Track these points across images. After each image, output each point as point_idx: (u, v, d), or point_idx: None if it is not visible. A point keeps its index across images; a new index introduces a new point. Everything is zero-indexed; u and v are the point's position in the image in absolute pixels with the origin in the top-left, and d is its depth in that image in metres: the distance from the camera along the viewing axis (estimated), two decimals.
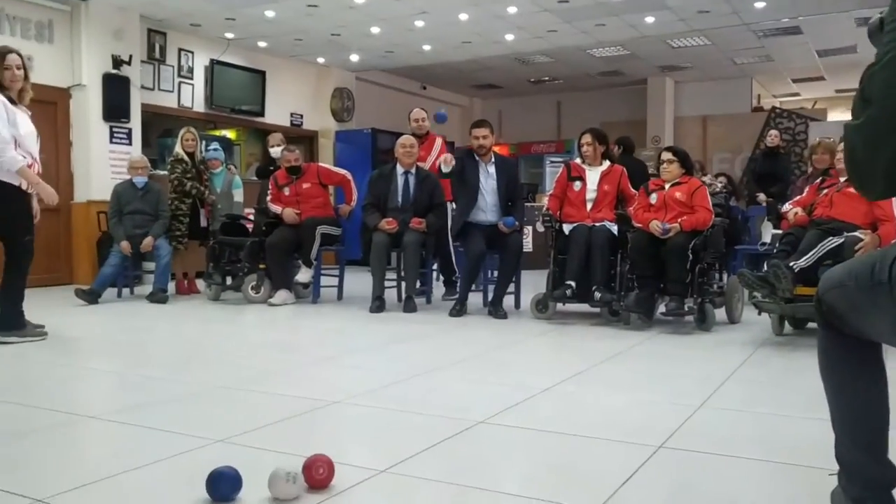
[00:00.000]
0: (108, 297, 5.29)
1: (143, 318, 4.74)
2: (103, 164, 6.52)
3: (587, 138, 4.45)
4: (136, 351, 3.63)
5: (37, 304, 4.03)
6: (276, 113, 8.58)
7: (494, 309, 4.45)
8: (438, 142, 5.53)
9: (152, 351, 3.60)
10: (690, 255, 3.89)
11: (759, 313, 3.76)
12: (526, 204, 6.22)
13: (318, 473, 1.66)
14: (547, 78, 10.47)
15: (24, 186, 3.48)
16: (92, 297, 5.10)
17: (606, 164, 4.44)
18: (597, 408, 2.45)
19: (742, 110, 10.15)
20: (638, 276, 4.05)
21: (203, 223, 5.78)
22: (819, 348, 1.44)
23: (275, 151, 5.79)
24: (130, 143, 6.75)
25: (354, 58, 8.64)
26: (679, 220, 3.91)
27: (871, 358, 1.36)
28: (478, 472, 1.83)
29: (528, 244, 4.78)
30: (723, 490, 1.71)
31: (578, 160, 4.51)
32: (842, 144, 3.49)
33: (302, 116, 9.01)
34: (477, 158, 4.70)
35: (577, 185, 4.38)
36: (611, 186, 4.37)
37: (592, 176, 4.39)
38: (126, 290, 5.65)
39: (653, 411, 2.38)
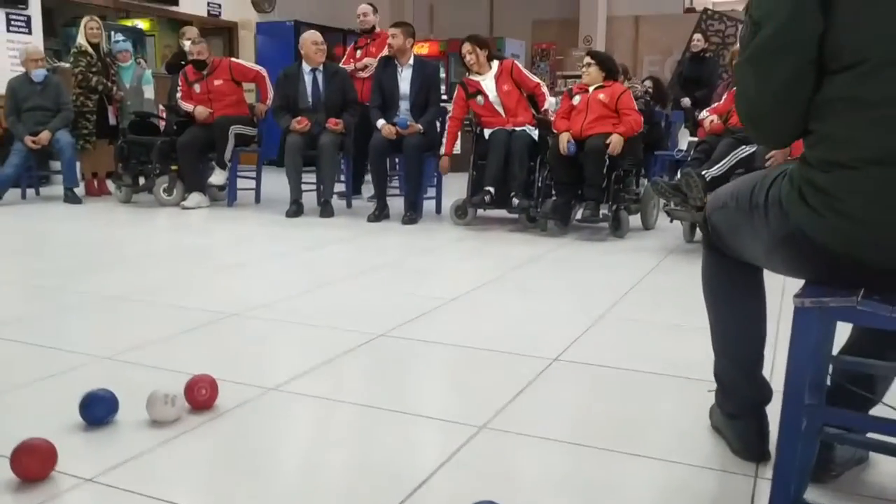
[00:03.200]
0: (12, 200, 5.03)
1: (46, 221, 4.53)
2: (0, 54, 6.06)
3: (466, 47, 4.24)
4: (33, 258, 3.47)
5: None
6: (192, 1, 8.08)
7: (406, 214, 4.39)
8: None
9: (50, 257, 3.44)
10: (607, 160, 3.87)
11: (671, 220, 3.81)
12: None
13: (200, 394, 1.61)
14: None
15: None
16: None
17: (495, 64, 4.27)
18: (500, 318, 2.45)
19: (674, 11, 10.04)
20: (556, 183, 4.03)
21: (112, 121, 5.49)
22: (702, 268, 1.43)
23: (188, 45, 5.48)
24: (30, 32, 6.28)
25: None
26: (613, 132, 3.85)
27: (751, 281, 1.36)
28: (367, 388, 1.81)
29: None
30: (612, 405, 1.73)
31: (472, 76, 4.28)
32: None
33: (220, 6, 8.51)
34: (396, 63, 4.53)
35: (480, 99, 4.23)
36: (510, 85, 4.20)
37: (488, 84, 4.22)
38: (31, 191, 5.38)
39: (555, 321, 2.39)
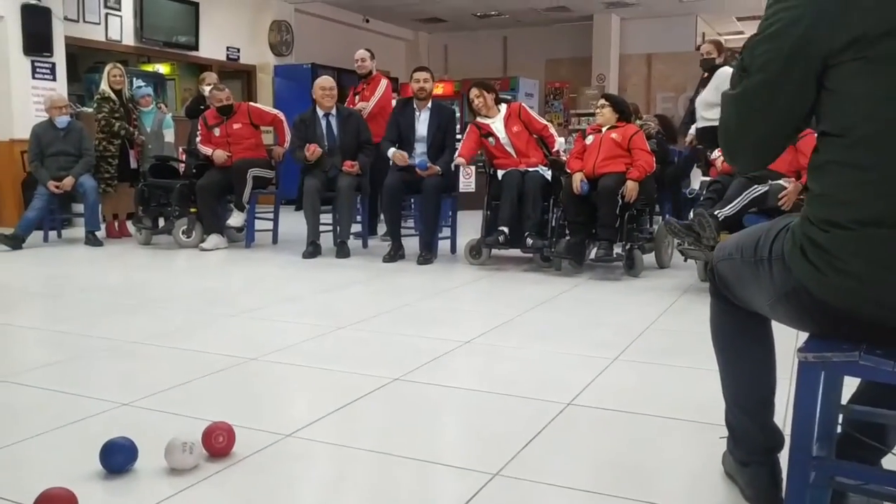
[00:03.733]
0: (34, 242, 5.13)
1: (68, 264, 4.61)
2: (25, 100, 6.22)
3: (474, 92, 4.36)
4: (54, 302, 3.53)
5: None
6: (212, 46, 8.27)
7: (421, 254, 4.43)
8: (384, 83, 5.52)
9: (71, 302, 3.50)
10: (620, 200, 3.90)
11: (686, 259, 3.82)
12: None
13: (217, 442, 1.64)
14: (493, 12, 10.26)
15: None
16: (15, 242, 4.93)
17: (503, 107, 4.37)
18: (515, 361, 2.47)
19: (686, 48, 10.13)
20: (570, 222, 4.06)
21: (133, 164, 5.61)
22: (710, 317, 1.45)
23: (207, 90, 5.60)
24: (55, 79, 6.44)
25: None
26: (626, 175, 3.91)
27: (759, 330, 1.37)
28: (382, 435, 1.82)
29: (471, 184, 4.74)
30: (626, 451, 1.74)
31: (480, 119, 4.37)
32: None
33: (239, 50, 8.70)
34: (414, 105, 4.62)
35: (492, 140, 4.32)
36: (519, 126, 4.28)
37: (498, 126, 4.30)
38: (53, 234, 5.48)
39: (569, 364, 2.40)
